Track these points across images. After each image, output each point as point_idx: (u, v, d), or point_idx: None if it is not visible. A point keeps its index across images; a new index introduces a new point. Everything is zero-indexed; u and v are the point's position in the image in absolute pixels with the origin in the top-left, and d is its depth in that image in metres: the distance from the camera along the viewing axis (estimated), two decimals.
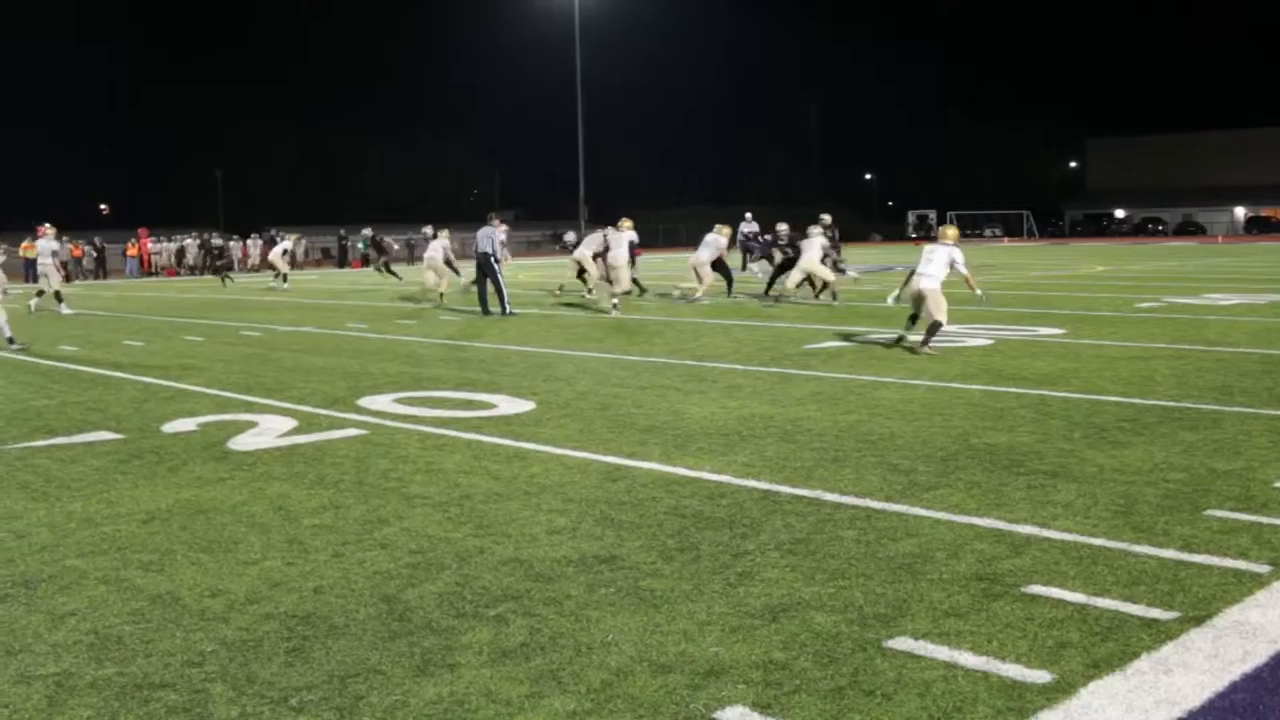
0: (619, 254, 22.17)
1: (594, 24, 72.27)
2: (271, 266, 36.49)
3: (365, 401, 11.11)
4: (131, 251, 52.32)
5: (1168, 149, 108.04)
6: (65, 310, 25.03)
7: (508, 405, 10.69)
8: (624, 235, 22.64)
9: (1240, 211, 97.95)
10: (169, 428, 9.96)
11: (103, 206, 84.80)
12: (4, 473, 8.32)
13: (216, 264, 45.80)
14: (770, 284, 24.18)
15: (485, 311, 21.78)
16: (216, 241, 53.53)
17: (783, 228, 24.93)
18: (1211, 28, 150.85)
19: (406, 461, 8.31)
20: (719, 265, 24.65)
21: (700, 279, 24.40)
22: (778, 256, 25.04)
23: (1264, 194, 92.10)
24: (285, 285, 34.76)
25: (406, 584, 5.49)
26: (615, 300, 21.90)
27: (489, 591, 5.35)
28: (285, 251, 36.78)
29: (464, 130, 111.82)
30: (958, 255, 14.65)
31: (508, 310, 21.56)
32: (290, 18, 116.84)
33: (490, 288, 21.90)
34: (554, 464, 8.11)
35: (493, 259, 21.79)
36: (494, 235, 22.17)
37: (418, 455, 8.53)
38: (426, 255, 25.73)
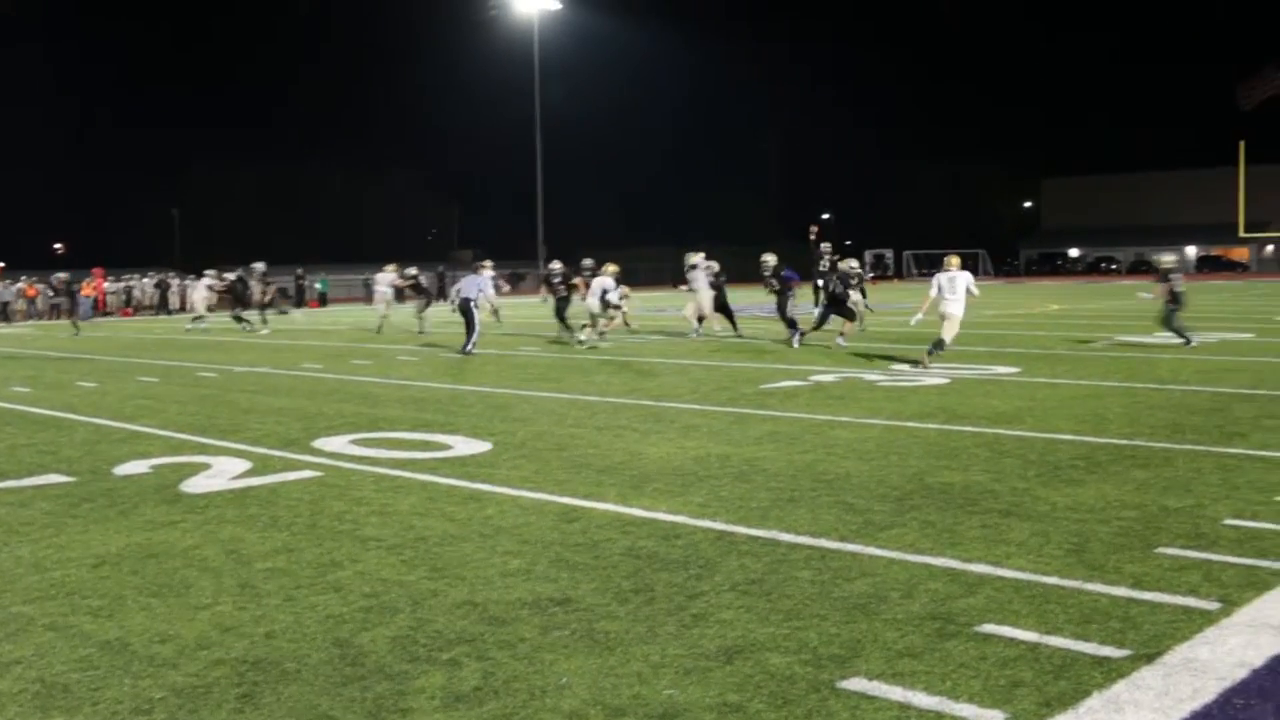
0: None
1: (554, 64, 72.57)
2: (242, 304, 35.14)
3: (320, 443, 11.05)
4: (86, 291, 51.85)
5: (1120, 188, 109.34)
6: None
7: (464, 446, 10.66)
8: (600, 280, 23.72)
9: (1191, 250, 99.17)
10: (121, 470, 9.87)
11: (58, 246, 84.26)
12: None
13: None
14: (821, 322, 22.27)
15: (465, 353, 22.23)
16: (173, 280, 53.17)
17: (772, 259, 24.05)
18: (1164, 69, 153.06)
19: (361, 503, 8.27)
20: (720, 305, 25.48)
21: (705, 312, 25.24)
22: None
23: (1214, 233, 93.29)
24: (204, 326, 34.14)
25: (359, 628, 5.45)
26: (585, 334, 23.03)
27: (442, 635, 5.31)
28: (209, 288, 35.79)
29: (423, 169, 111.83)
30: (971, 279, 17.59)
31: (469, 349, 21.91)
32: (249, 56, 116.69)
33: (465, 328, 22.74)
34: (510, 505, 8.08)
35: (474, 305, 22.52)
36: (478, 282, 23.06)
37: (372, 497, 8.49)
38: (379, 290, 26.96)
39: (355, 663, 4.99)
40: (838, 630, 5.21)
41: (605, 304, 23.34)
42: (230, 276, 36.05)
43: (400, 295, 33.68)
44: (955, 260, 17.93)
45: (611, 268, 23.93)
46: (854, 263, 23.46)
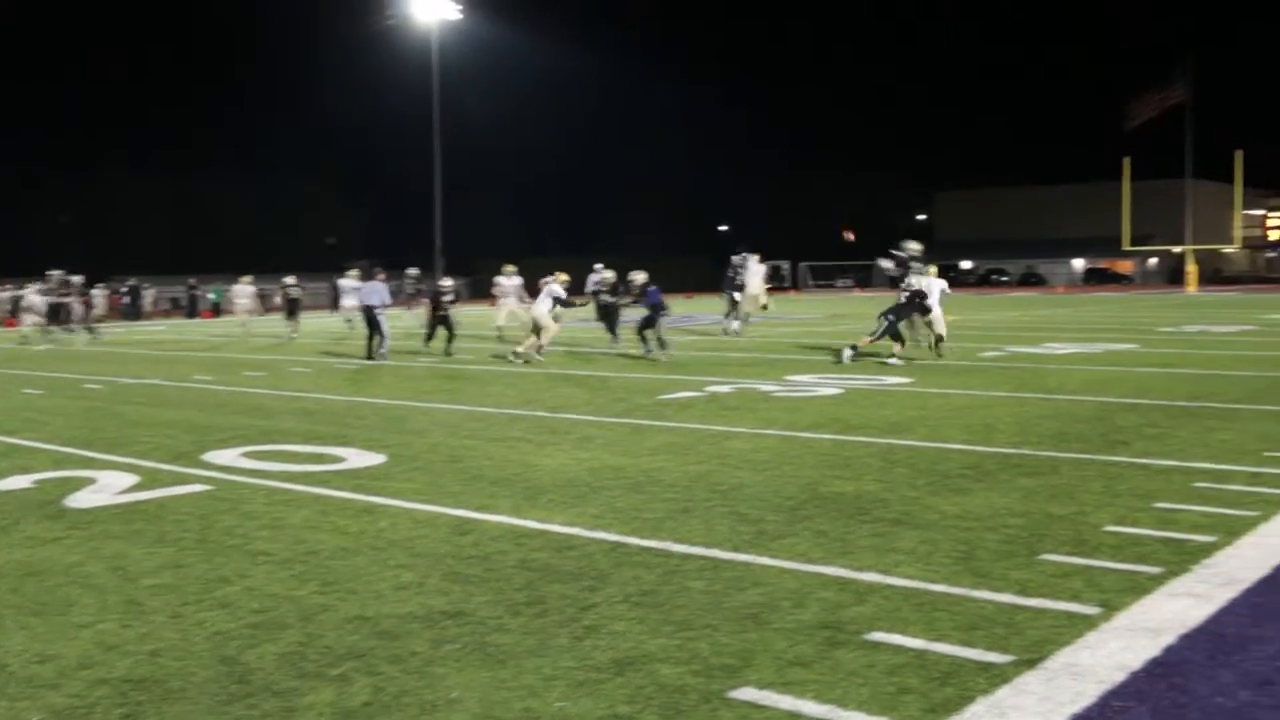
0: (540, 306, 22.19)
1: (454, 74, 72.20)
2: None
3: (211, 456, 10.87)
4: None
5: (1011, 202, 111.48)
6: None
7: (357, 458, 10.55)
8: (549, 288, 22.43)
9: (1079, 263, 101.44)
10: (1, 485, 9.62)
11: None
12: None
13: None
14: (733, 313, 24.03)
15: (369, 357, 23.07)
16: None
17: (641, 276, 24.27)
18: (1053, 85, 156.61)
19: (251, 518, 8.15)
20: (609, 313, 24.58)
21: (541, 331, 22.77)
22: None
23: (1101, 246, 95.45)
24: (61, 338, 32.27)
25: (247, 644, 5.37)
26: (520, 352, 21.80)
27: (332, 650, 5.26)
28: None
29: (322, 178, 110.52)
30: (944, 284, 21.50)
31: (379, 354, 22.97)
32: (146, 62, 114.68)
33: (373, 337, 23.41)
34: (403, 518, 8.02)
35: (376, 310, 23.45)
36: (380, 289, 24.25)
37: (263, 511, 8.37)
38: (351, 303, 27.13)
39: (242, 680, 4.92)
40: (729, 640, 5.25)
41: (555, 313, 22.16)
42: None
43: (293, 307, 34.28)
44: (934, 269, 22.13)
45: (563, 276, 22.51)
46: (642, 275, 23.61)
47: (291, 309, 33.15)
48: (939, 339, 20.77)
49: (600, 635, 5.36)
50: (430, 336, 24.91)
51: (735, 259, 30.60)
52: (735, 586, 6.13)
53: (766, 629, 5.40)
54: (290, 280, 34.41)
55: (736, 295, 29.89)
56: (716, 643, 5.22)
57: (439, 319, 24.43)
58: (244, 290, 34.03)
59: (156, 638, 5.52)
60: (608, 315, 24.58)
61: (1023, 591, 5.92)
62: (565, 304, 22.04)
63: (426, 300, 25.45)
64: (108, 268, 66.68)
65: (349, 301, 32.29)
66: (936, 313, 20.78)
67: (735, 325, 29.34)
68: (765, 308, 30.27)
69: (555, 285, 21.97)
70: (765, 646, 5.16)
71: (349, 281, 33.68)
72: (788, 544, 7.02)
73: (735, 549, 6.92)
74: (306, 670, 5.01)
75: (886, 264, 22.58)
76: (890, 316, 19.91)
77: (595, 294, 26.27)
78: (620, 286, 24.15)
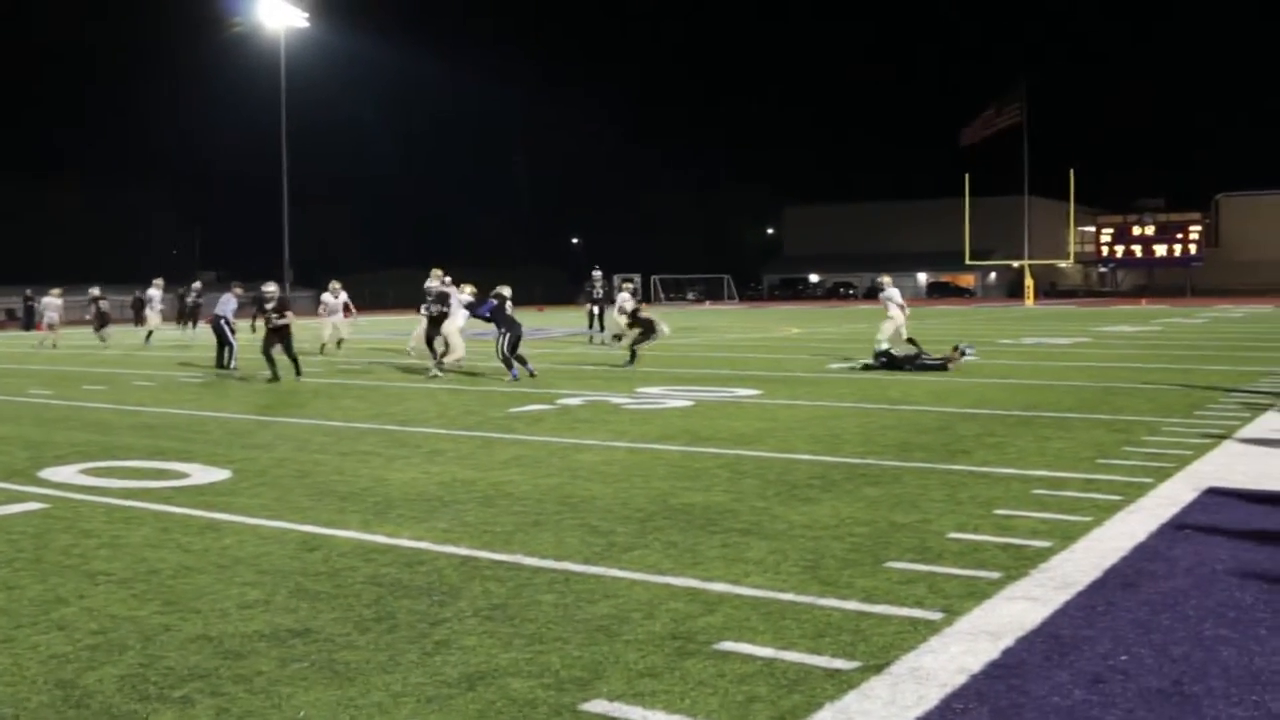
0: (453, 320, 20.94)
1: (300, 82, 71.06)
2: None
3: (47, 473, 10.53)
4: None
5: (857, 217, 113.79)
6: None
7: (201, 474, 10.32)
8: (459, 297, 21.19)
9: (923, 277, 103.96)
10: None
11: None
12: None
13: None
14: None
15: (221, 366, 23.17)
16: None
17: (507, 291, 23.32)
18: (897, 103, 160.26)
19: (90, 536, 7.91)
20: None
21: (453, 346, 21.20)
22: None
23: (943, 260, 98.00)
24: None
25: (85, 667, 5.22)
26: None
27: (174, 671, 5.13)
28: None
29: (164, 187, 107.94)
30: (898, 294, 23.50)
31: (233, 366, 22.92)
32: None
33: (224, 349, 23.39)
34: (248, 535, 7.86)
35: (224, 322, 23.30)
36: (230, 302, 24.15)
37: (103, 529, 8.13)
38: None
39: (80, 705, 4.77)
40: (580, 653, 5.26)
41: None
42: None
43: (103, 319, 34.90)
44: (887, 279, 24.41)
45: (469, 287, 21.33)
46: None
47: (102, 321, 34.04)
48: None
49: (450, 650, 5.33)
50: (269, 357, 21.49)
51: (594, 274, 31.51)
52: (586, 599, 6.14)
53: (617, 641, 5.42)
54: (96, 292, 35.30)
55: (594, 310, 30.48)
56: (567, 655, 5.23)
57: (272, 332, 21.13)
58: (53, 303, 34.94)
59: None
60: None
61: (868, 598, 6.04)
62: (479, 316, 20.52)
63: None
64: None
65: (52, 318, 32.59)
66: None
67: (605, 335, 29.79)
68: (618, 337, 29.38)
69: (466, 297, 20.82)
70: (616, 658, 5.18)
71: (51, 299, 33.86)
72: (638, 555, 7.06)
73: (586, 561, 6.94)
74: (148, 693, 4.88)
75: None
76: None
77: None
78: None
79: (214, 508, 8.79)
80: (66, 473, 10.53)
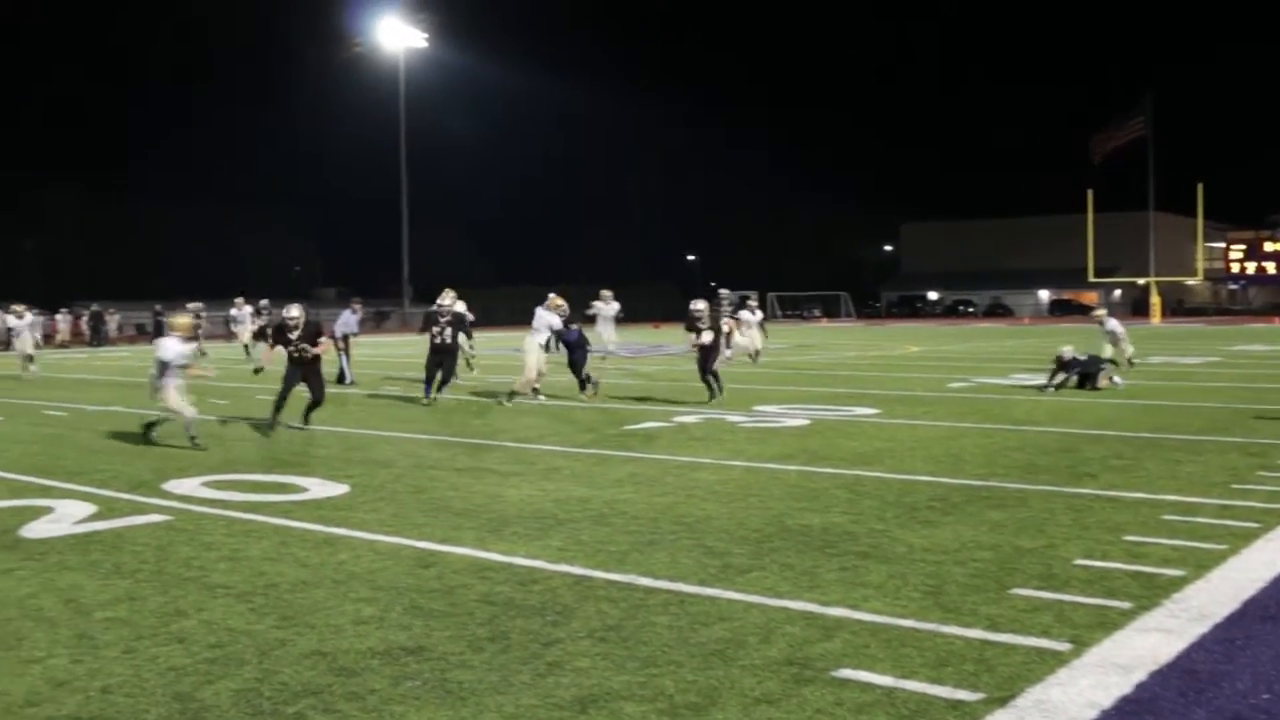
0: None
1: (420, 102, 72.09)
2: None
3: (171, 485, 10.71)
4: None
5: (976, 234, 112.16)
6: None
7: (319, 489, 10.41)
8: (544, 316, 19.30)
9: (1044, 294, 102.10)
10: None
11: None
12: None
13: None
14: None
15: (339, 383, 23.05)
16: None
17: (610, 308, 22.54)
18: (1019, 117, 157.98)
19: (211, 549, 8.01)
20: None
21: (527, 365, 19.14)
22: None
23: (1066, 277, 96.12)
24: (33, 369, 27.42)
25: (202, 680, 5.25)
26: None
27: (289, 687, 5.14)
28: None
29: (287, 206, 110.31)
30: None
31: (350, 381, 23.32)
32: (104, 85, 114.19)
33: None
34: (365, 550, 7.89)
35: (345, 339, 24.08)
36: (350, 319, 24.98)
37: (223, 542, 8.23)
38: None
39: (196, 718, 4.79)
40: (694, 677, 5.16)
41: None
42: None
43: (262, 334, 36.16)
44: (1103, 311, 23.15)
45: (558, 300, 19.49)
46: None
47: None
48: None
49: (563, 672, 5.26)
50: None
51: (722, 293, 31.16)
52: (701, 621, 6.04)
53: (733, 665, 5.31)
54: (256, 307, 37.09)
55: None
56: (682, 680, 5.13)
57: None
58: (22, 322, 33.61)
59: (108, 673, 5.39)
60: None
61: (992, 627, 5.85)
62: (565, 341, 19.42)
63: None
64: (68, 294, 66.25)
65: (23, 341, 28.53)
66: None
67: (730, 355, 29.59)
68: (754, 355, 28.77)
69: (554, 318, 18.93)
70: (732, 684, 5.07)
71: (19, 320, 29.20)
72: (754, 578, 6.94)
73: (701, 583, 6.83)
74: (262, 708, 4.89)
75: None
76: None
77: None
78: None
79: (332, 522, 8.85)
80: (189, 485, 10.70)
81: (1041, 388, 19.79)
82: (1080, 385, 19.64)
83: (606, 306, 28.84)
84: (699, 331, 18.42)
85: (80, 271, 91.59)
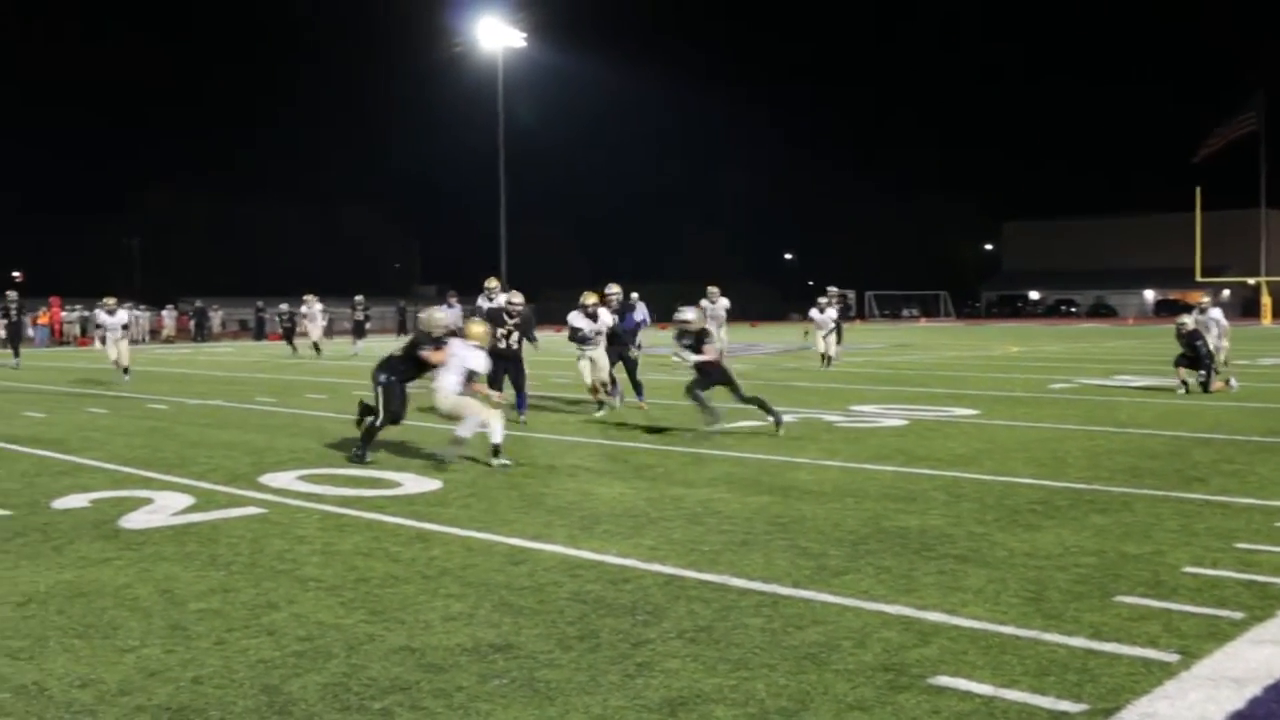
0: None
1: (517, 100, 72.43)
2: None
3: (267, 479, 10.80)
4: (43, 320, 51.34)
5: (1080, 232, 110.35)
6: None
7: (413, 484, 10.43)
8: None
9: (1150, 295, 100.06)
10: (59, 504, 9.60)
11: (16, 274, 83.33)
12: None
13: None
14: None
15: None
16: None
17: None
18: (1122, 114, 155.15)
19: (303, 542, 8.04)
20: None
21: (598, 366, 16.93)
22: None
23: (1172, 277, 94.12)
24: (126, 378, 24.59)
25: (291, 674, 5.23)
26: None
27: (376, 682, 5.10)
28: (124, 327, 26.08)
29: (385, 203, 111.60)
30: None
31: None
32: (206, 82, 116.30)
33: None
34: (456, 546, 7.87)
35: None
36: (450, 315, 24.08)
37: (316, 535, 8.26)
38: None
39: (283, 711, 4.78)
40: (787, 681, 5.03)
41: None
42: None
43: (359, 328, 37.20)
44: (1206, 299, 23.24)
45: (591, 297, 17.23)
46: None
47: (358, 330, 37.29)
48: None
49: (653, 673, 5.17)
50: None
51: (829, 290, 30.76)
52: (794, 624, 5.91)
53: (826, 670, 5.18)
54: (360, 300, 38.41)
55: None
56: (774, 683, 5.01)
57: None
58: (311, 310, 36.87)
59: (199, 664, 5.40)
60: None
61: (1096, 635, 5.65)
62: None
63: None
64: (174, 290, 67.58)
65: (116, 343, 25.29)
66: None
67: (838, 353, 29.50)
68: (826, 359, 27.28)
69: (578, 317, 16.77)
70: (825, 688, 4.94)
71: (109, 316, 25.64)
72: (849, 580, 6.79)
73: (795, 584, 6.70)
74: (349, 703, 4.86)
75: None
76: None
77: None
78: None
79: (424, 518, 8.84)
80: (285, 479, 10.78)
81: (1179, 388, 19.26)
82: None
83: (713, 304, 28.40)
84: (693, 347, 14.16)
85: (187, 268, 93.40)
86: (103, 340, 26.56)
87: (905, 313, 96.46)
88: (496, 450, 11.45)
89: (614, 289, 18.03)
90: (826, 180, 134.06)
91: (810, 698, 4.83)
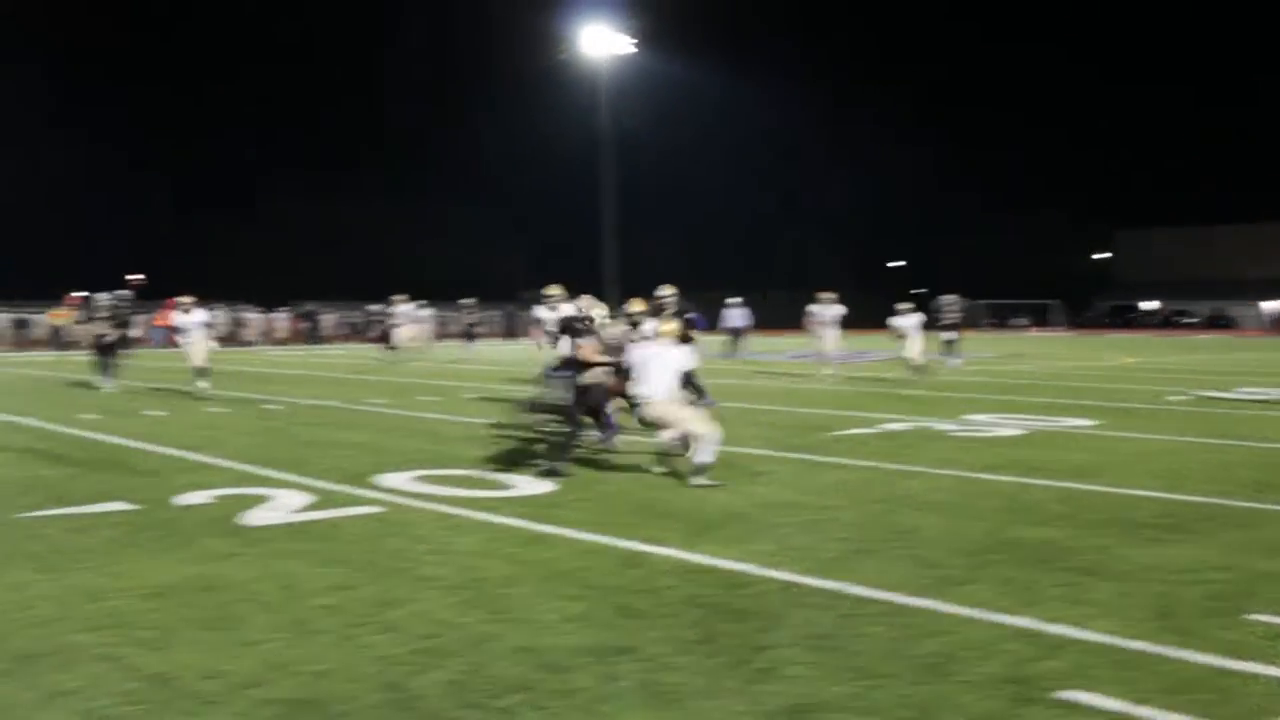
0: None
1: (625, 102, 72.68)
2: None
3: (382, 479, 10.92)
4: (159, 321, 52.50)
5: (1197, 241, 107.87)
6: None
7: (528, 486, 10.48)
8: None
9: (1269, 306, 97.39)
10: (183, 500, 9.80)
11: (139, 276, 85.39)
12: (13, 542, 8.16)
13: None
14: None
15: None
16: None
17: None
18: (1238, 122, 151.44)
19: (420, 541, 8.11)
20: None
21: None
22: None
23: None
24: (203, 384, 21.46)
25: (414, 671, 5.28)
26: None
27: (498, 681, 5.13)
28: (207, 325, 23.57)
29: (491, 206, 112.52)
30: None
31: None
32: (324, 88, 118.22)
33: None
34: (571, 548, 7.89)
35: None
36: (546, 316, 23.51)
37: (432, 535, 8.33)
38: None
39: (407, 707, 4.82)
40: (910, 691, 4.97)
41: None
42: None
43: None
44: None
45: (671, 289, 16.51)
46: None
47: (469, 334, 36.25)
48: None
49: (774, 679, 5.13)
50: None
51: (944, 299, 31.42)
52: (916, 634, 5.83)
53: (950, 681, 5.10)
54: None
55: (947, 336, 30.99)
56: (898, 693, 4.94)
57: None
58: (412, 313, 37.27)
59: (322, 659, 5.47)
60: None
61: (1231, 654, 5.49)
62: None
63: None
64: (285, 293, 68.74)
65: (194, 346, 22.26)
66: None
67: (956, 362, 29.94)
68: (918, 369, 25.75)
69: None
70: (949, 700, 4.86)
71: (185, 315, 22.81)
72: (970, 591, 6.68)
73: (914, 594, 6.61)
74: (471, 700, 4.89)
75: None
76: None
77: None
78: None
79: (539, 519, 8.88)
80: (400, 479, 10.89)
81: None
82: None
83: (824, 310, 28.02)
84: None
85: (299, 270, 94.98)
86: (181, 342, 24.30)
87: (1013, 321, 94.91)
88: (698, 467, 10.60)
89: (667, 291, 16.60)
90: (936, 186, 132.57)
91: (935, 709, 4.76)
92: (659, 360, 11.09)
